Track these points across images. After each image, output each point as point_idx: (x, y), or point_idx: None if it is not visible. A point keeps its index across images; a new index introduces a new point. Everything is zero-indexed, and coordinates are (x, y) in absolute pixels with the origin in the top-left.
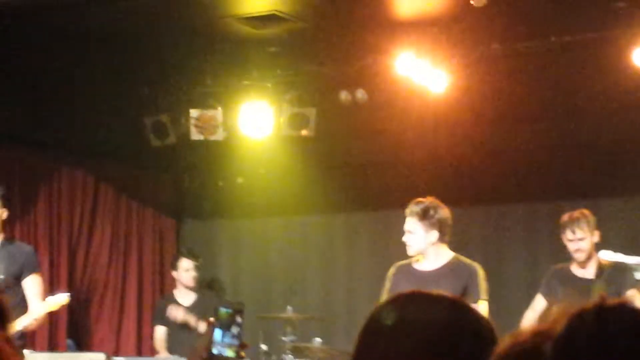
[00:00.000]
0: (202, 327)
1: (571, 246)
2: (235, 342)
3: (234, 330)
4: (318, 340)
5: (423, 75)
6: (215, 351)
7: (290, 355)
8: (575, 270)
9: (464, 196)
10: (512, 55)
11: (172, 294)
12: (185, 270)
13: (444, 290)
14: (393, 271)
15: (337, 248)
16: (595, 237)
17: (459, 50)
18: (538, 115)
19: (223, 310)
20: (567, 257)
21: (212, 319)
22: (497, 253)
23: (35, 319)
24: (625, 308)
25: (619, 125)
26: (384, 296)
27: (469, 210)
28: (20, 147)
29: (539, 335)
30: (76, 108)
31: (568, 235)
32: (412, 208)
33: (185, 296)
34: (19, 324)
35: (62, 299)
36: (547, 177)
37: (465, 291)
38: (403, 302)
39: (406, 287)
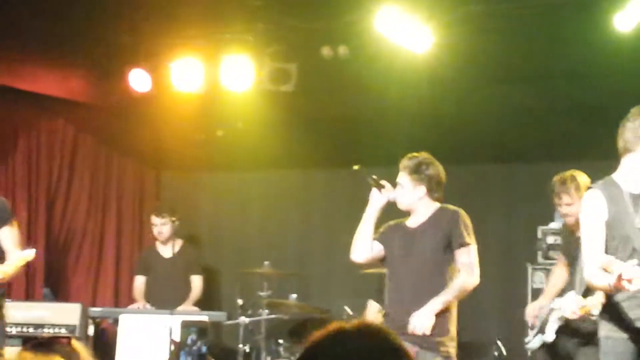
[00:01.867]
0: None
1: (560, 210)
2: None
3: (199, 349)
4: (294, 296)
5: (405, 33)
6: None
7: (266, 310)
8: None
9: (445, 154)
10: (494, 14)
11: (155, 246)
12: (153, 226)
13: (427, 242)
14: (382, 229)
15: (316, 204)
16: None
17: (442, 9)
18: (519, 75)
19: (188, 331)
20: (545, 218)
21: (175, 340)
22: (477, 212)
23: (6, 270)
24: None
25: (600, 88)
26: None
27: (449, 168)
28: None
29: None
30: (57, 57)
31: (555, 199)
32: (404, 162)
33: (166, 248)
34: None
35: (27, 254)
36: (527, 138)
37: (449, 238)
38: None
39: (394, 244)
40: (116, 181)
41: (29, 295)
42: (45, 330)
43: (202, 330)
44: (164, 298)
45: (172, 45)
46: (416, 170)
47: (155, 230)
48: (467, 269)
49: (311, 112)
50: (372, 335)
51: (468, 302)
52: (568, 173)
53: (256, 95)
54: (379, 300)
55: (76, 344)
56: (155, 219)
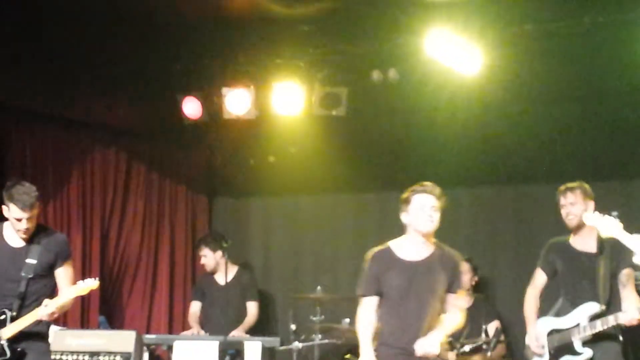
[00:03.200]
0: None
1: (563, 212)
2: None
3: None
4: (347, 320)
5: (455, 55)
6: None
7: (319, 335)
8: (575, 243)
9: (496, 175)
10: (544, 35)
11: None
12: (204, 257)
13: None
14: (374, 260)
15: (368, 227)
16: (590, 207)
17: (492, 30)
18: (570, 95)
19: (226, 352)
20: None
21: None
22: (529, 233)
23: (55, 308)
24: None
25: None
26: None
27: (501, 189)
28: (53, 126)
29: None
30: (109, 86)
31: (561, 200)
32: (437, 190)
33: (221, 275)
34: (46, 309)
35: (91, 283)
36: (578, 158)
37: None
38: None
39: (392, 276)
40: (169, 208)
41: (84, 324)
42: (101, 358)
43: (238, 352)
44: (218, 324)
45: (223, 72)
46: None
47: (204, 262)
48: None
49: (362, 136)
50: None
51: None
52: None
53: (307, 120)
54: None
55: None
56: (202, 250)
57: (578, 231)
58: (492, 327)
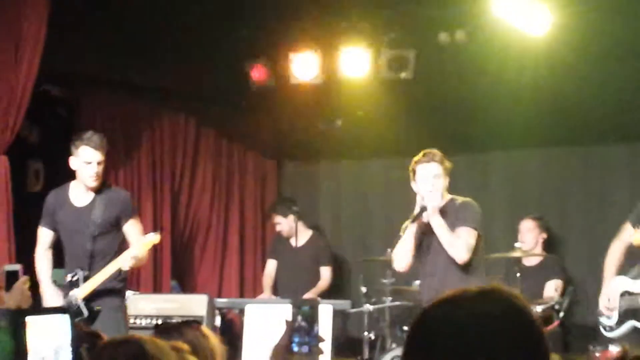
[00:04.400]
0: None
1: None
2: (314, 340)
3: (312, 326)
4: (417, 282)
5: (523, 15)
6: (294, 349)
7: (389, 298)
8: None
9: (566, 136)
10: None
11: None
12: (277, 224)
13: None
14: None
15: None
16: None
17: None
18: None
19: (300, 309)
20: None
21: (288, 319)
22: (600, 194)
23: (131, 259)
24: None
25: None
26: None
27: (571, 149)
28: (122, 92)
29: None
30: (176, 52)
31: None
32: (437, 155)
33: (295, 239)
34: (114, 264)
35: (152, 237)
36: None
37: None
38: (457, 301)
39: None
40: (238, 173)
41: (156, 288)
42: (174, 322)
43: (313, 309)
44: (289, 287)
45: (290, 37)
46: (444, 161)
47: (279, 228)
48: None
49: (429, 99)
50: (498, 298)
51: (592, 284)
52: None
53: (374, 83)
54: (504, 283)
55: (205, 329)
56: (276, 218)
57: None
58: (551, 285)
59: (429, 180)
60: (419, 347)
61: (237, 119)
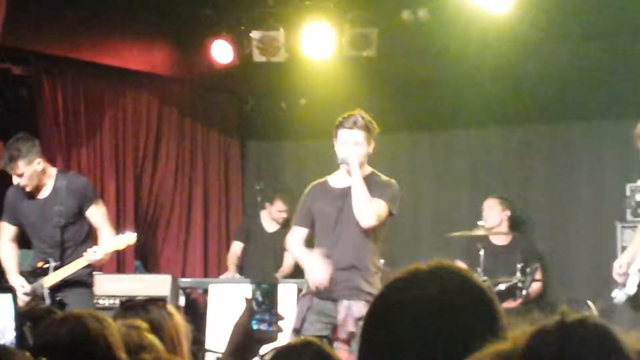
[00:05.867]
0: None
1: None
2: (274, 317)
3: (271, 304)
4: (381, 261)
5: None
6: (254, 326)
7: None
8: None
9: (527, 114)
10: None
11: (259, 216)
12: (282, 211)
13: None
14: (307, 191)
15: (400, 168)
16: None
17: None
18: (601, 31)
19: (259, 287)
20: (634, 175)
21: (248, 297)
22: (562, 172)
23: (103, 255)
24: (587, 324)
25: None
26: (297, 215)
27: (533, 128)
28: (84, 71)
29: (499, 356)
30: (140, 30)
31: (638, 144)
32: (359, 120)
33: (270, 224)
34: (86, 258)
35: (129, 238)
36: (612, 95)
37: None
38: (418, 277)
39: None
40: (201, 152)
41: (120, 268)
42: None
43: (272, 287)
44: (260, 271)
45: (252, 15)
46: (369, 128)
47: (281, 216)
48: None
49: (393, 77)
50: (450, 275)
51: (558, 261)
52: None
53: (338, 61)
54: (467, 261)
55: (170, 308)
56: (281, 205)
57: None
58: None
59: (349, 147)
60: (376, 327)
61: (200, 98)
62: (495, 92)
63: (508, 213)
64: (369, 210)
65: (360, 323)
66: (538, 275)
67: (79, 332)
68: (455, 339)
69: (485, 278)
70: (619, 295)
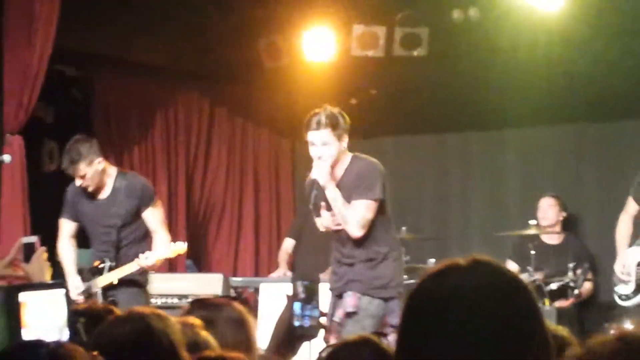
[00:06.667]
0: None
1: None
2: (316, 312)
3: (312, 301)
4: (432, 261)
5: None
6: (296, 323)
7: (404, 276)
8: None
9: (579, 113)
10: None
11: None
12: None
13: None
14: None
15: (451, 167)
16: None
17: None
18: None
19: (302, 284)
20: None
21: (289, 294)
22: (614, 170)
23: (155, 261)
24: None
25: None
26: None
27: (585, 126)
28: (136, 73)
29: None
30: (191, 31)
31: None
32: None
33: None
34: (137, 263)
35: (181, 247)
36: None
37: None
38: (458, 271)
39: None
40: (252, 152)
41: (172, 267)
42: (189, 300)
43: (312, 285)
44: (310, 268)
45: (303, 15)
46: (335, 124)
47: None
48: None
49: (443, 76)
50: (486, 269)
51: (609, 262)
52: None
53: (388, 61)
54: (517, 260)
55: (238, 305)
56: None
57: None
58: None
59: (319, 148)
60: (412, 318)
61: (251, 98)
62: (546, 91)
63: (564, 214)
64: (352, 225)
65: (353, 316)
66: (589, 276)
67: (143, 330)
68: (492, 333)
69: (536, 277)
70: (635, 298)
